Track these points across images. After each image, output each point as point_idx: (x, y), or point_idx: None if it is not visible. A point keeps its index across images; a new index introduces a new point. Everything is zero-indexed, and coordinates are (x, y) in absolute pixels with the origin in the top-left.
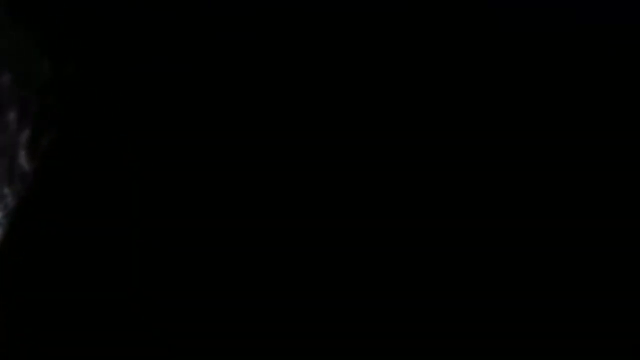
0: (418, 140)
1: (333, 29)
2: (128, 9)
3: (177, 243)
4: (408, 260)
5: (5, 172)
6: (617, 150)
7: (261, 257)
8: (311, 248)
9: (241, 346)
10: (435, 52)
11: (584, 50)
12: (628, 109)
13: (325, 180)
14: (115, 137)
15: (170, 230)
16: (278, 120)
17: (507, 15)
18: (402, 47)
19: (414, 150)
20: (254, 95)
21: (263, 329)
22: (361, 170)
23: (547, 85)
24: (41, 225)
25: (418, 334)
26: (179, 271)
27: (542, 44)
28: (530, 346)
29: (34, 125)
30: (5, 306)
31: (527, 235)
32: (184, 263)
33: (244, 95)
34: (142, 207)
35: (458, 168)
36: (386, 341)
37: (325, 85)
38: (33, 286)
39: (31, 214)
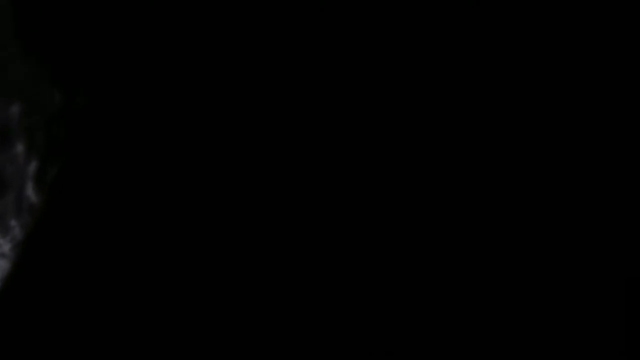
0: (418, 140)
1: (333, 29)
2: (139, 40)
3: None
4: (408, 260)
5: (12, 204)
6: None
7: (261, 257)
8: (311, 248)
9: (241, 346)
10: (436, 52)
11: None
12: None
13: (325, 180)
14: (123, 170)
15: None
16: (278, 120)
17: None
18: (403, 47)
19: (414, 150)
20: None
21: (263, 328)
22: (361, 170)
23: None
24: (49, 258)
25: (418, 334)
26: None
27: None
28: (531, 346)
29: (42, 157)
30: (11, 337)
31: (527, 235)
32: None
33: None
34: (149, 238)
35: (458, 168)
36: (386, 341)
37: (325, 86)
38: (41, 318)
39: (39, 246)
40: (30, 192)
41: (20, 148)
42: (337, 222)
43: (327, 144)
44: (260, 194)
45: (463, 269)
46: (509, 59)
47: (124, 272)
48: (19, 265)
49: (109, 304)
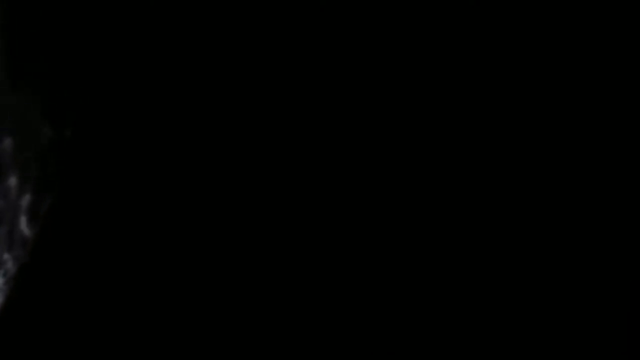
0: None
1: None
2: (127, 72)
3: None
4: (408, 260)
5: (5, 237)
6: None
7: (261, 257)
8: (311, 248)
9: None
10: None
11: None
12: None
13: (325, 180)
14: (115, 201)
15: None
16: (278, 121)
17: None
18: (403, 47)
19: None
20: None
21: (263, 329)
22: (361, 170)
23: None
24: (42, 291)
25: (418, 334)
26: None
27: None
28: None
29: (35, 190)
30: None
31: (527, 235)
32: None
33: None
34: (142, 270)
35: (458, 168)
36: (386, 341)
37: (325, 86)
38: (35, 350)
39: (32, 280)
40: (23, 225)
41: (13, 181)
42: (337, 222)
43: (327, 144)
44: (261, 200)
45: (463, 269)
46: (509, 59)
47: (117, 305)
48: (12, 299)
49: (102, 337)
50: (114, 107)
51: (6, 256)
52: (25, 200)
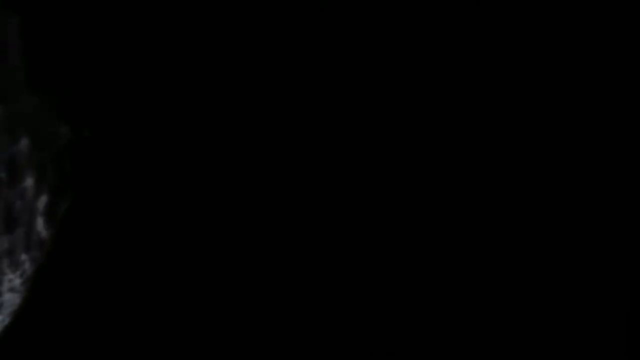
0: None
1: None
2: (147, 73)
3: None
4: (408, 260)
5: (22, 238)
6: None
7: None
8: (311, 248)
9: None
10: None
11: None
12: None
13: (325, 180)
14: (132, 202)
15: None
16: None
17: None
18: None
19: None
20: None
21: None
22: (361, 170)
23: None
24: (59, 292)
25: (418, 334)
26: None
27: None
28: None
29: (52, 191)
30: None
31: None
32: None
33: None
34: (160, 270)
35: (458, 168)
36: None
37: (325, 86)
38: (52, 352)
39: (49, 281)
40: (40, 226)
41: (29, 182)
42: (337, 222)
43: (327, 144)
44: (263, 206)
45: (463, 269)
46: (509, 59)
47: (135, 305)
48: (29, 300)
49: (119, 338)
50: (133, 107)
51: (23, 257)
52: (42, 201)
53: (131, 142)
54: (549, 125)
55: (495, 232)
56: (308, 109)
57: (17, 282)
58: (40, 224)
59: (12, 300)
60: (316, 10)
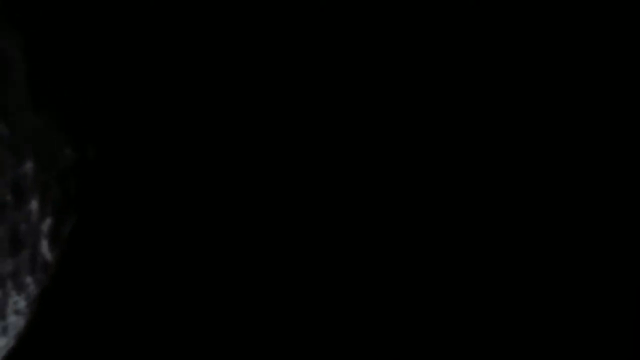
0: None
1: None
2: (151, 94)
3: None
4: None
5: (27, 261)
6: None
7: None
8: (311, 248)
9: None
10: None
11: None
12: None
13: (325, 180)
14: (137, 223)
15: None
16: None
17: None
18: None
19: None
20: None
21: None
22: (361, 170)
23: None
24: (64, 315)
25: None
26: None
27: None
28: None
29: (56, 213)
30: None
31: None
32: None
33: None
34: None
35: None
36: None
37: (325, 86)
38: None
39: (54, 304)
40: (44, 249)
41: (34, 205)
42: (337, 222)
43: (327, 144)
44: (266, 203)
45: (463, 269)
46: (509, 59)
47: (140, 327)
48: (34, 322)
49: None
50: (137, 129)
51: (28, 280)
52: (47, 223)
53: (135, 163)
54: (549, 125)
55: (495, 232)
56: (308, 109)
57: (22, 304)
58: (45, 246)
59: (17, 322)
60: (316, 10)
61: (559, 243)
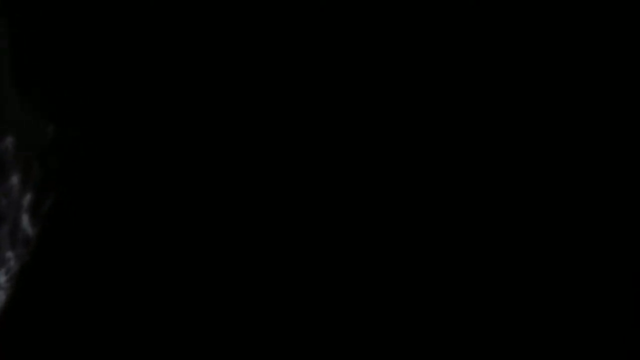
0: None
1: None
2: (131, 72)
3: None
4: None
5: (7, 236)
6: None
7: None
8: (311, 248)
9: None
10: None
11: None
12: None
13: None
14: (117, 200)
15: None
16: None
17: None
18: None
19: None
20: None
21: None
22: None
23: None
24: (44, 290)
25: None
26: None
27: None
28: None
29: (37, 189)
30: None
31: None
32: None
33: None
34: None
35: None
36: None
37: (325, 86)
38: (38, 348)
39: (34, 278)
40: (25, 224)
41: (14, 180)
42: (336, 223)
43: (327, 144)
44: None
45: (463, 269)
46: (509, 59)
47: (118, 304)
48: (14, 297)
49: (103, 336)
50: (117, 106)
51: (9, 254)
52: (27, 199)
53: (116, 140)
54: (549, 125)
55: (495, 232)
56: (308, 109)
57: (3, 279)
58: (25, 221)
59: None
60: (316, 10)
61: (559, 243)
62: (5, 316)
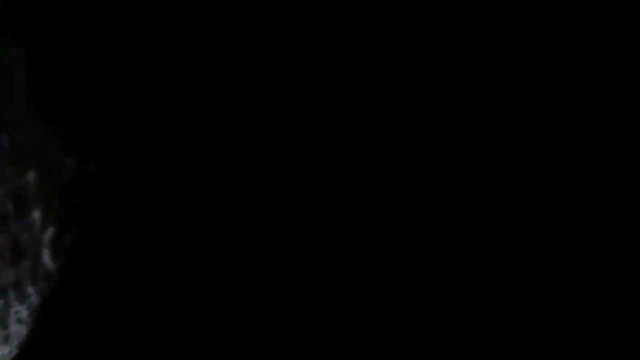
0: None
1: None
2: (152, 106)
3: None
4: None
5: (29, 271)
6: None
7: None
8: (311, 248)
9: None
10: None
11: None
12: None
13: (325, 180)
14: (139, 234)
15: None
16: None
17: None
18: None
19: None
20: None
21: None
22: (361, 170)
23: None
24: (65, 324)
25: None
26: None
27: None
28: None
29: (58, 223)
30: None
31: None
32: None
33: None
34: (167, 302)
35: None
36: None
37: (325, 86)
38: None
39: (55, 313)
40: (46, 258)
41: (36, 215)
42: (336, 223)
43: (327, 145)
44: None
45: (463, 269)
46: (509, 59)
47: (141, 337)
48: (36, 331)
49: None
50: (139, 140)
51: (30, 290)
52: (49, 233)
53: (137, 175)
54: (549, 125)
55: (495, 232)
56: (308, 109)
57: (24, 313)
58: (46, 256)
59: (19, 331)
60: (316, 10)
61: (559, 243)
62: (27, 351)
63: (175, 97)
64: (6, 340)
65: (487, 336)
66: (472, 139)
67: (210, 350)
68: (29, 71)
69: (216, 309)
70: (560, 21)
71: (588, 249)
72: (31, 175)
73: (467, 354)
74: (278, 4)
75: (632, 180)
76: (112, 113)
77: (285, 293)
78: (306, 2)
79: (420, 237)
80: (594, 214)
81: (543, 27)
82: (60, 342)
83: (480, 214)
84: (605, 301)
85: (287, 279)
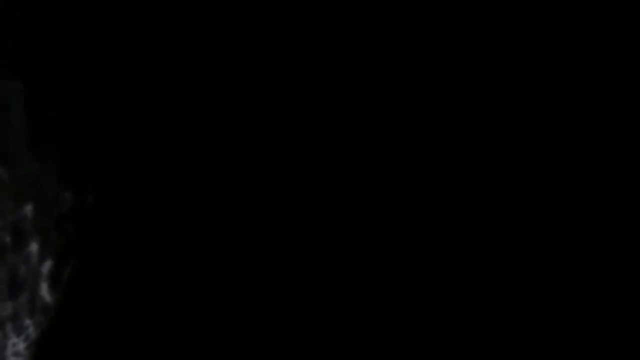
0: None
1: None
2: (149, 137)
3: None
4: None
5: (26, 303)
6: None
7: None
8: (311, 248)
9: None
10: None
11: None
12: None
13: (325, 180)
14: (137, 267)
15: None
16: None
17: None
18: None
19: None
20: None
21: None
22: (361, 170)
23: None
24: (63, 358)
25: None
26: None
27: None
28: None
29: (56, 256)
30: None
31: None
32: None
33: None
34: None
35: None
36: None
37: (325, 86)
38: None
39: (52, 346)
40: (44, 291)
41: (34, 247)
42: (336, 223)
43: (327, 145)
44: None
45: (463, 269)
46: (509, 59)
47: None
48: None
49: None
50: (136, 173)
51: (27, 322)
52: (46, 266)
53: (135, 208)
54: (549, 125)
55: (495, 232)
56: (308, 109)
57: (22, 346)
58: (44, 288)
59: None
60: (316, 10)
61: (559, 243)
62: None
63: (169, 132)
64: None
65: (487, 336)
66: (472, 139)
67: None
68: (27, 105)
69: (214, 332)
70: (560, 21)
71: (588, 249)
72: (29, 208)
73: (467, 354)
74: (278, 4)
75: (632, 180)
76: (109, 146)
77: (285, 293)
78: (306, 2)
79: (420, 236)
80: (594, 214)
81: (543, 27)
82: None
83: (480, 214)
84: (605, 301)
85: (287, 279)
